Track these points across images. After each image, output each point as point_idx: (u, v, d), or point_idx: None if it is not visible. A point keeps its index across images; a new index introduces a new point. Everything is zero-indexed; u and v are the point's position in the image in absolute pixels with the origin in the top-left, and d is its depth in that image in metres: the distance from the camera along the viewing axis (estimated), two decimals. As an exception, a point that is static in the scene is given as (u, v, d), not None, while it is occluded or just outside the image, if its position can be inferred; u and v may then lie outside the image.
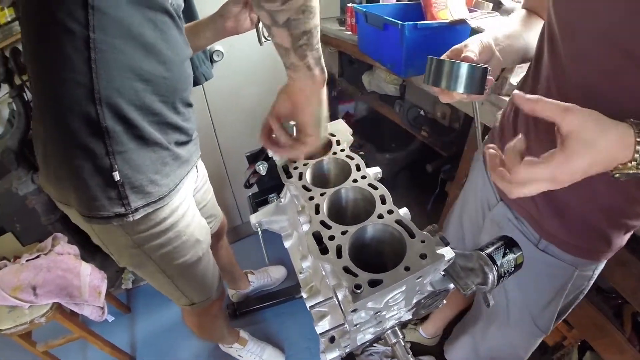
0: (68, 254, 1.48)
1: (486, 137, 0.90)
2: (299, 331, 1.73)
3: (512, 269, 0.56)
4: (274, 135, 0.65)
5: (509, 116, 0.77)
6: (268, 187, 0.81)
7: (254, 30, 0.94)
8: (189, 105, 0.82)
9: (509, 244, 0.57)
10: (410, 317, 0.68)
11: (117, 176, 0.66)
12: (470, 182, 0.97)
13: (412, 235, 0.51)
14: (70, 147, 0.64)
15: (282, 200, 0.84)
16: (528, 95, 0.46)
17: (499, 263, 0.55)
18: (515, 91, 0.49)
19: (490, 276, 0.54)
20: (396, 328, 0.68)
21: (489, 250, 0.56)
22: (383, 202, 0.55)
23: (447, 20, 1.10)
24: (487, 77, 0.53)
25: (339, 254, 0.49)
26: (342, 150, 0.67)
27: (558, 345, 1.37)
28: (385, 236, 0.53)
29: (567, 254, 0.75)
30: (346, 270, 0.47)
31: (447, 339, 1.13)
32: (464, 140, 1.21)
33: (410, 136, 1.72)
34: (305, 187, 0.60)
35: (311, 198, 0.58)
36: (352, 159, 0.65)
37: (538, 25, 0.72)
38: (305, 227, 0.61)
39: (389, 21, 1.11)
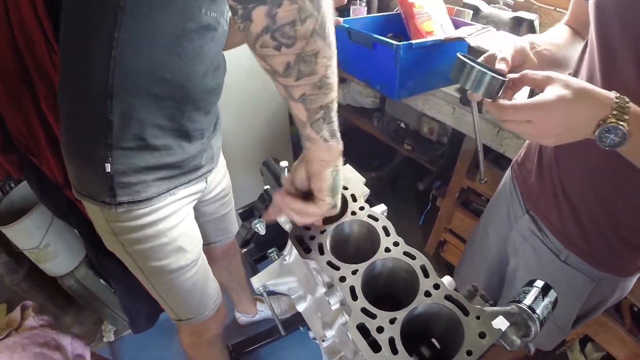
0: (41, 326, 1.33)
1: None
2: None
3: (550, 312, 0.55)
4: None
5: None
6: (264, 241, 0.75)
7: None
8: (207, 113, 0.81)
9: (545, 290, 0.56)
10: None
11: (108, 167, 0.69)
12: (498, 194, 0.99)
13: (466, 313, 0.46)
14: (77, 130, 0.71)
15: (287, 258, 0.77)
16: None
17: (539, 312, 0.54)
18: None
19: (533, 328, 0.53)
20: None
21: (528, 302, 0.54)
22: (425, 274, 0.50)
23: (442, 38, 1.04)
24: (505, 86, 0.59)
25: (394, 349, 0.44)
26: (362, 208, 0.61)
27: (561, 342, 1.41)
28: (437, 316, 0.48)
29: (586, 264, 0.76)
30: (406, 368, 0.42)
31: None
32: (455, 155, 1.19)
33: (391, 150, 1.69)
34: (331, 264, 0.54)
35: (342, 278, 0.52)
36: (375, 219, 0.59)
37: (579, 44, 0.75)
38: (335, 307, 0.55)
39: (380, 40, 1.02)
